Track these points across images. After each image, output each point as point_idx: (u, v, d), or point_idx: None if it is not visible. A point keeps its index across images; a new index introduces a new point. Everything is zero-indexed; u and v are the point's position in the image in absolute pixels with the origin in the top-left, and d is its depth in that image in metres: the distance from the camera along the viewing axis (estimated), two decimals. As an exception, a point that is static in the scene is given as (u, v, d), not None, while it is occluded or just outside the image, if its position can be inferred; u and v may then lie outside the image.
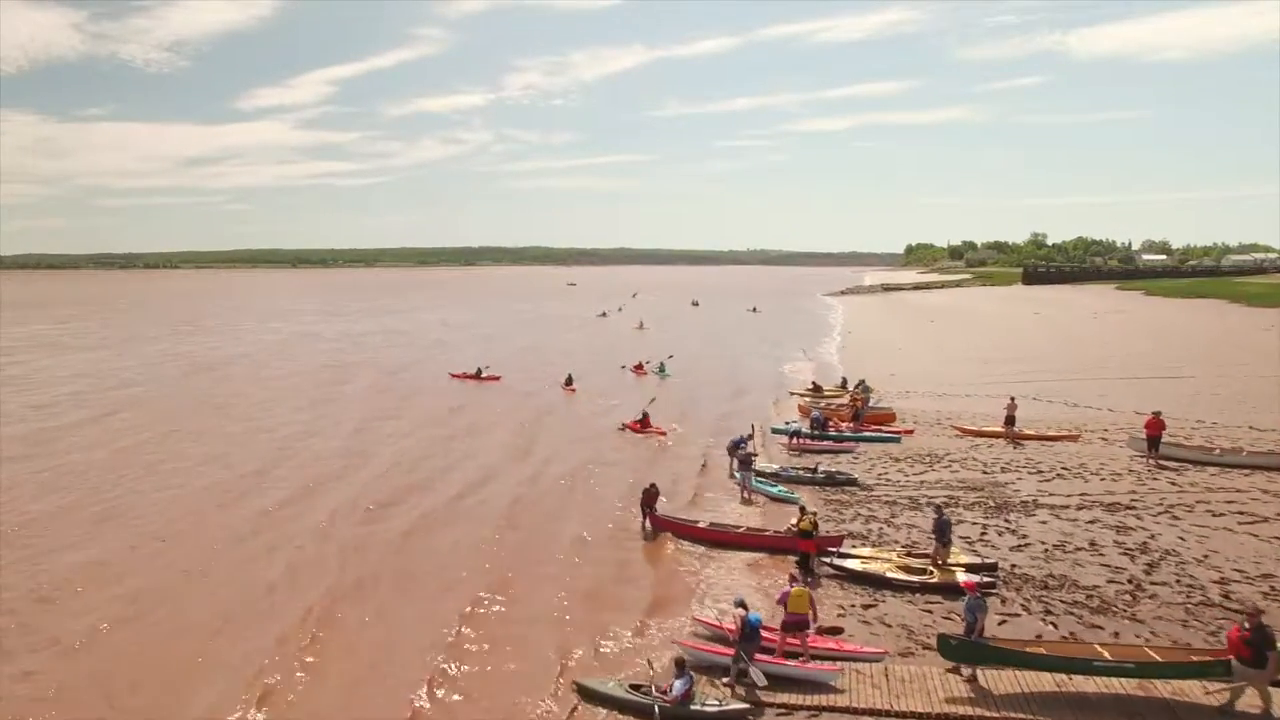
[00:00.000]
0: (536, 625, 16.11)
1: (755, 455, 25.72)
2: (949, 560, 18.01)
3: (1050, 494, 23.55)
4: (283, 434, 33.66)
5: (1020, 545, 19.49)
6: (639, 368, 51.73)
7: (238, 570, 19.04)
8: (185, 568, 19.19)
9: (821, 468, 26.58)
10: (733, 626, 14.20)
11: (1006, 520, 21.38)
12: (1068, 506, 22.31)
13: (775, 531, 20.54)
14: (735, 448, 25.65)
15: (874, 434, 31.75)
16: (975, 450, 29.14)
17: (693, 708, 12.76)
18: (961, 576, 17.37)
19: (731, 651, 13.88)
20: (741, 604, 14.28)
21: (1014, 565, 18.20)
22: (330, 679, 14.22)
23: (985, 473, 26.08)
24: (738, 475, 25.21)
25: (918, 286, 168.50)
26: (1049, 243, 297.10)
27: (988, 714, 12.62)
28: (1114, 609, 15.82)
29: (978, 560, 18.19)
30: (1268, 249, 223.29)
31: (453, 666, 14.53)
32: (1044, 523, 21.09)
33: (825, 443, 30.61)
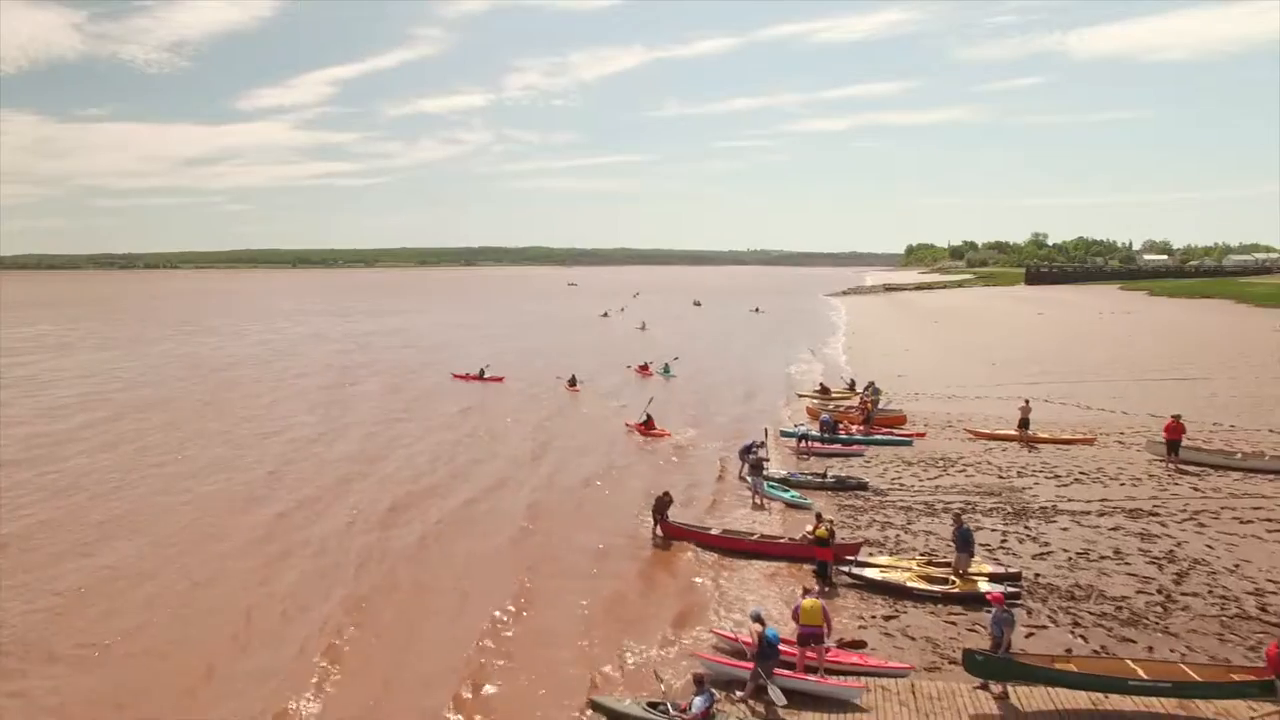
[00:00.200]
0: (554, 639, 15.57)
1: (767, 461, 25.14)
2: (971, 569, 17.48)
3: (1069, 499, 23.01)
4: (292, 437, 33.12)
5: (1042, 553, 18.95)
6: (644, 368, 51.35)
7: (250, 579, 18.52)
8: (196, 577, 18.69)
9: (831, 472, 26.09)
10: (749, 640, 13.69)
11: (1026, 527, 20.84)
12: (1088, 512, 21.77)
13: (790, 539, 20.01)
14: (747, 452, 25.13)
15: (885, 437, 31.21)
16: (989, 454, 28.60)
17: (713, 728, 12.23)
18: (984, 586, 16.84)
19: (750, 665, 13.38)
20: (758, 618, 13.73)
21: (1037, 574, 17.67)
22: (346, 695, 13.74)
23: (1001, 477, 25.54)
24: (749, 480, 24.70)
25: (920, 287, 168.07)
26: (1050, 243, 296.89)
27: (1022, 734, 12.10)
28: (1145, 621, 15.27)
29: (1001, 569, 17.64)
30: (1269, 249, 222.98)
31: (469, 684, 13.99)
32: (1065, 529, 20.56)
33: (835, 446, 30.10)
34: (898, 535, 20.68)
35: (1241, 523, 20.57)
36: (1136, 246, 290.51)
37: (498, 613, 16.54)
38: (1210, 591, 16.49)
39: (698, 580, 18.28)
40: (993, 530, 20.53)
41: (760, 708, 12.89)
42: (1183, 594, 16.38)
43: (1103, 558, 18.47)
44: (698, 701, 12.32)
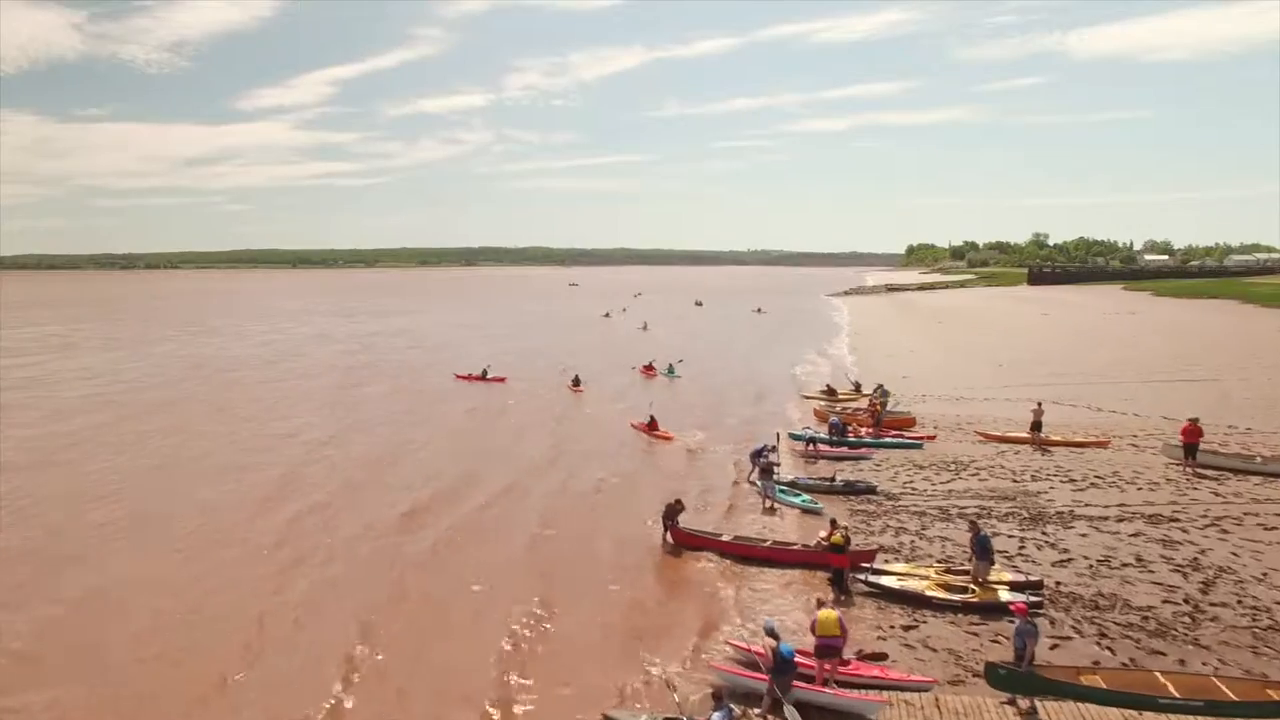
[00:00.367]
0: (571, 651, 15.13)
1: (778, 465, 24.67)
2: (990, 577, 17.03)
3: (1086, 504, 22.56)
4: (301, 440, 32.61)
5: (1062, 560, 18.50)
6: (648, 369, 51.06)
7: (261, 586, 18.07)
8: (207, 584, 18.28)
9: (840, 476, 25.67)
10: (762, 651, 13.26)
11: (1044, 533, 20.40)
12: (1106, 518, 21.32)
13: (804, 545, 19.57)
14: (757, 455, 24.69)
15: (895, 440, 30.78)
16: (1002, 457, 28.17)
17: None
18: (1005, 595, 16.44)
19: (766, 677, 12.95)
20: (772, 632, 13.28)
21: (1059, 583, 17.22)
22: (361, 707, 13.38)
23: (1015, 481, 25.10)
24: (758, 485, 24.26)
25: (922, 287, 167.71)
26: (1050, 243, 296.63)
27: (1053, 752, 11.67)
28: (1173, 632, 14.81)
29: (1021, 578, 17.19)
30: (1270, 249, 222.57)
31: (487, 697, 13.59)
32: (1084, 536, 20.11)
33: (843, 449, 29.68)
34: (912, 541, 20.23)
35: (1266, 529, 20.13)
36: (1137, 247, 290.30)
37: (513, 624, 16.05)
38: (1240, 601, 16.02)
39: (713, 589, 17.81)
40: (1009, 536, 20.08)
41: (776, 723, 12.47)
42: (1211, 604, 15.92)
43: (1125, 565, 18.02)
44: (716, 717, 11.89)
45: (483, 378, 47.94)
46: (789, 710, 12.42)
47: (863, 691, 13.14)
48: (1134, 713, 12.26)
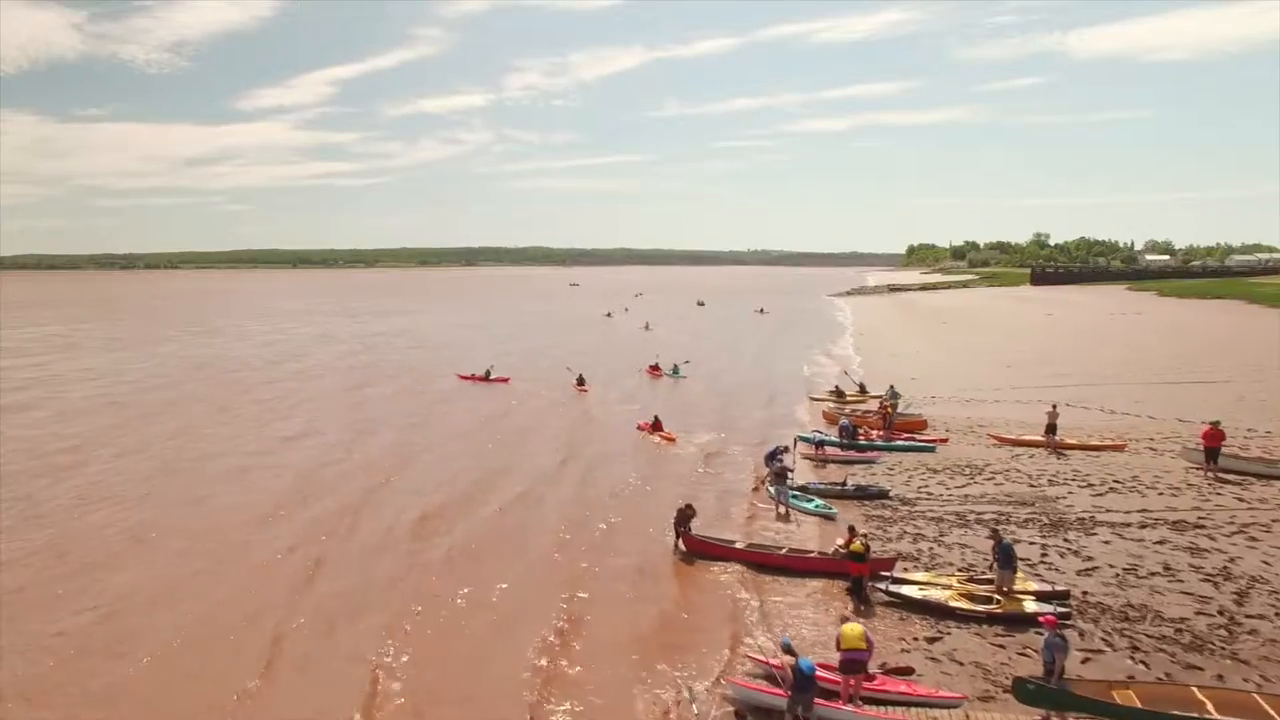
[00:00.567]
0: (594, 664, 14.57)
1: (791, 470, 24.13)
2: (1015, 587, 16.52)
3: (1107, 510, 22.04)
4: (310, 444, 31.96)
5: (1087, 569, 17.98)
6: (654, 369, 50.75)
7: (275, 598, 17.47)
8: (221, 594, 17.77)
9: (852, 480, 25.16)
10: (779, 664, 12.74)
11: (1065, 539, 19.88)
12: (1129, 524, 20.79)
13: (821, 553, 19.04)
14: (771, 458, 24.18)
15: (907, 443, 30.26)
16: (1016, 460, 27.65)
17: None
18: (1031, 606, 15.92)
19: (785, 693, 12.44)
20: (788, 649, 12.77)
21: (1085, 592, 16.70)
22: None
23: (1032, 486, 24.58)
24: (770, 490, 23.74)
25: (924, 287, 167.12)
26: (1051, 243, 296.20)
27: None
28: (1210, 646, 14.29)
29: (1047, 587, 16.67)
30: (1272, 249, 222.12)
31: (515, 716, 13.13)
32: (1107, 543, 19.58)
33: (853, 452, 29.19)
34: (931, 548, 19.71)
35: (1296, 537, 19.59)
36: (1138, 247, 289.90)
37: (536, 638, 15.46)
38: (1277, 613, 15.49)
39: (736, 600, 17.20)
40: (1030, 543, 19.57)
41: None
42: (1247, 616, 15.38)
43: (1152, 574, 17.50)
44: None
45: (485, 378, 47.51)
46: (812, 730, 11.94)
47: (886, 709, 12.64)
48: (1174, 731, 11.79)
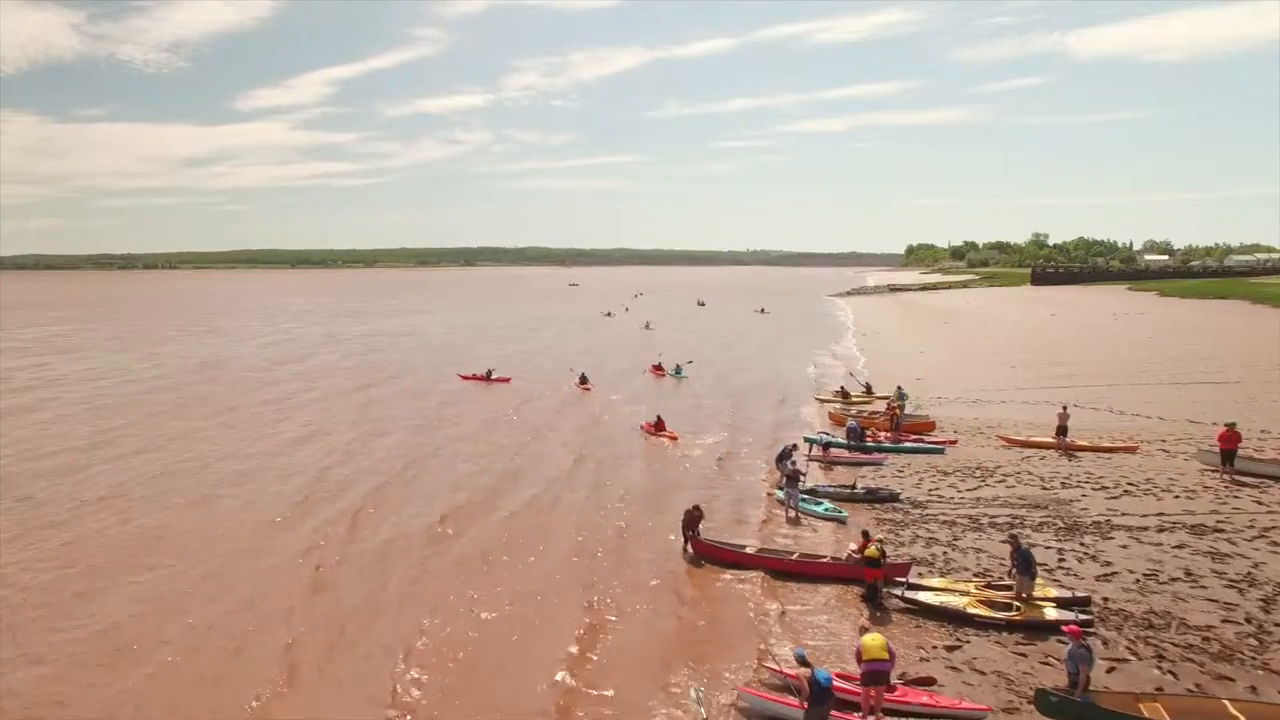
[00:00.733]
0: (618, 675, 14.14)
1: (804, 474, 23.69)
2: (1035, 593, 16.12)
3: (1123, 513, 21.63)
4: (315, 447, 31.42)
5: (1107, 574, 17.57)
6: (658, 369, 50.53)
7: (286, 607, 17.01)
8: (234, 601, 17.35)
9: (861, 483, 24.77)
10: (794, 674, 12.36)
11: (1082, 544, 19.47)
12: (1146, 528, 20.39)
13: (833, 558, 18.64)
14: (783, 459, 23.77)
15: (915, 445, 29.86)
16: (1027, 462, 27.25)
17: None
18: (1051, 613, 15.54)
19: (802, 705, 12.05)
20: (803, 660, 12.38)
21: (1106, 599, 16.29)
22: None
23: (1045, 488, 24.17)
24: (779, 494, 23.34)
25: (925, 287, 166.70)
26: (1050, 243, 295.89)
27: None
28: (1239, 656, 13.86)
29: (1067, 594, 16.28)
30: (1270, 249, 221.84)
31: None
32: (1125, 547, 19.17)
33: (859, 454, 28.80)
34: (945, 553, 19.30)
35: (1318, 541, 19.18)
36: (1137, 247, 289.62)
37: (556, 647, 15.04)
38: (1308, 622, 15.09)
39: (750, 606, 16.78)
40: (1047, 548, 19.15)
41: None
42: (1276, 624, 14.96)
43: (1174, 580, 17.08)
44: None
45: (487, 378, 47.18)
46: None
47: (908, 720, 12.26)
48: (1208, 746, 11.40)
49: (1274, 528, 20.00)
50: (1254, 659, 13.77)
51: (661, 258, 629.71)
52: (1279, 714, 11.85)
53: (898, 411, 32.67)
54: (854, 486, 24.44)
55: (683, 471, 27.54)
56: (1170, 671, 13.50)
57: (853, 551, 17.88)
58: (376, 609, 16.89)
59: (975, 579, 17.40)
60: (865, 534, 17.93)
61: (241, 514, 23.20)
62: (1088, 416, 33.91)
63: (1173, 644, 14.39)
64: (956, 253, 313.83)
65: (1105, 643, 14.53)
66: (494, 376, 47.29)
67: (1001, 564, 17.88)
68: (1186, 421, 32.12)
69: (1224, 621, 15.11)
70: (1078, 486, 24.27)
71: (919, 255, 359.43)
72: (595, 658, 14.79)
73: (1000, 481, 25.13)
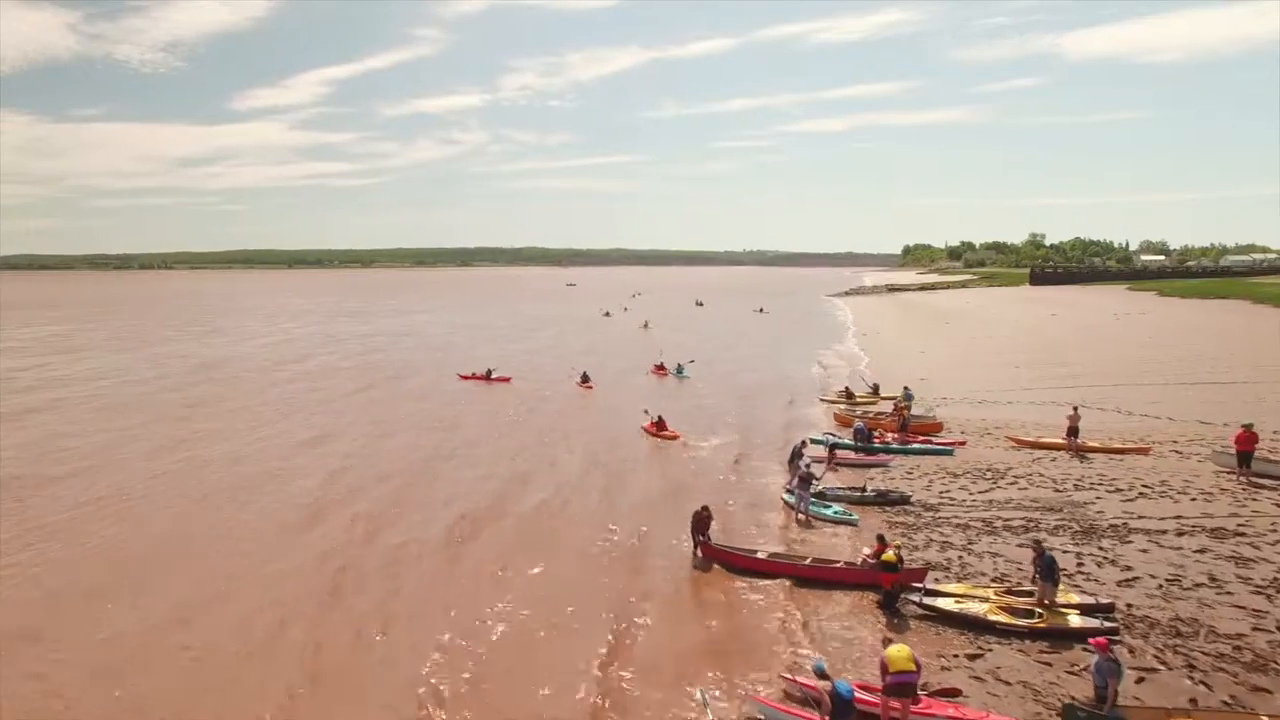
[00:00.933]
0: (640, 695, 13.58)
1: (818, 477, 23.20)
2: (1056, 600, 15.68)
3: (1139, 516, 21.21)
4: (322, 449, 30.88)
5: (1128, 580, 17.14)
6: (659, 369, 50.34)
7: (305, 611, 16.62)
8: (249, 606, 16.92)
9: (871, 485, 24.34)
10: (814, 686, 11.90)
11: (1100, 548, 19.04)
12: (1165, 531, 19.97)
13: (847, 563, 18.19)
14: (796, 456, 23.35)
15: (924, 446, 29.43)
16: (1038, 464, 26.83)
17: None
18: (1075, 620, 15.10)
19: (823, 718, 11.61)
20: (822, 673, 11.94)
21: (1130, 605, 15.86)
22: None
23: (1058, 491, 23.75)
24: (788, 497, 22.88)
25: (923, 287, 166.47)
26: (1047, 243, 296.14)
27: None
28: (1274, 666, 13.40)
29: (1090, 600, 15.84)
30: (1266, 249, 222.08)
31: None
32: (1144, 551, 18.75)
33: (865, 456, 28.37)
34: (960, 557, 18.87)
35: (1342, 545, 18.75)
36: (1133, 247, 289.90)
37: (580, 658, 14.58)
38: (1342, 630, 14.66)
39: (769, 615, 16.33)
40: (1064, 552, 18.69)
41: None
42: (1309, 633, 14.55)
43: (1198, 585, 16.66)
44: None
45: (487, 378, 46.78)
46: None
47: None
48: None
49: (1297, 531, 19.57)
50: (1290, 669, 13.33)
51: (659, 258, 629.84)
52: (1320, 728, 11.41)
53: (905, 412, 32.25)
54: (864, 489, 24.01)
55: (693, 474, 27.07)
56: (1203, 682, 13.06)
57: (867, 556, 17.45)
58: (390, 616, 16.47)
59: (994, 584, 16.98)
60: (881, 538, 17.48)
61: (252, 518, 22.75)
62: (1095, 417, 33.52)
63: (1202, 653, 13.96)
64: (953, 253, 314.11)
65: (1132, 651, 14.10)
66: (494, 376, 46.92)
67: (1019, 568, 17.49)
68: (1197, 422, 31.74)
69: (1254, 629, 14.67)
70: (1091, 489, 23.85)
71: (916, 255, 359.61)
72: (615, 667, 14.35)
73: (1012, 484, 24.71)
